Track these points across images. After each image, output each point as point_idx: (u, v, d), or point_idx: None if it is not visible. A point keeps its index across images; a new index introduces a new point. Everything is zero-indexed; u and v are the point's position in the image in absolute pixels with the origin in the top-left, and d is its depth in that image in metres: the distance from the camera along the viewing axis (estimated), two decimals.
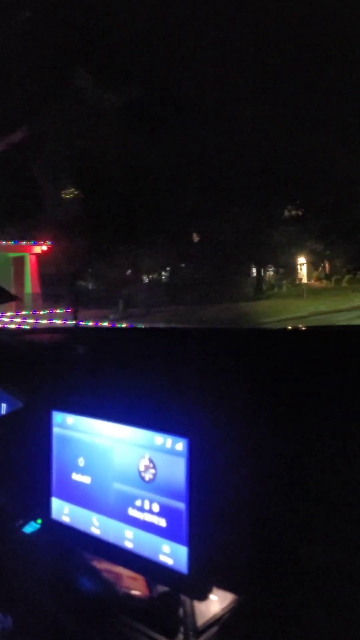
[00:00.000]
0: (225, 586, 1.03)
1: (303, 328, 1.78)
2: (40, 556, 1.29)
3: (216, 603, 1.05)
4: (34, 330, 2.21)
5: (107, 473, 1.13)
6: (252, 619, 1.00)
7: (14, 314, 7.61)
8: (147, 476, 1.05)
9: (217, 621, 1.03)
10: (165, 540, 1.02)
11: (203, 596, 1.01)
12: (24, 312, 8.26)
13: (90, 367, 1.43)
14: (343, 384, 1.04)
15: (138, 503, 1.07)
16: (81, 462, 1.18)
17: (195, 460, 0.98)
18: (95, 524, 1.15)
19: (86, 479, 1.17)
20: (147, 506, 1.05)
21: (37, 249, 11.83)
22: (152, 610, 1.10)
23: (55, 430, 1.25)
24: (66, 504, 1.22)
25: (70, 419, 1.21)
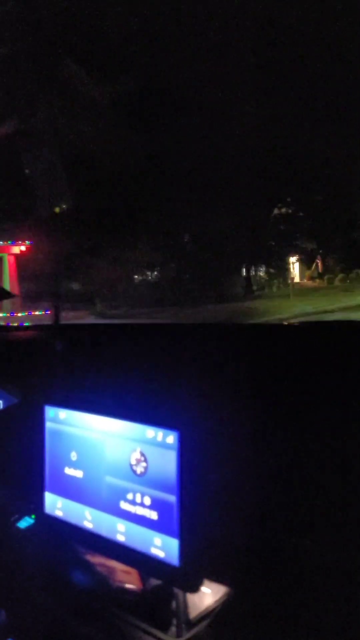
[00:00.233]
0: (216, 578, 1.03)
1: (295, 323, 1.78)
2: (34, 551, 1.29)
3: (209, 595, 1.06)
4: (27, 327, 2.21)
5: (99, 467, 1.13)
6: (245, 611, 1.00)
7: None
8: (139, 469, 1.05)
9: (209, 613, 1.04)
10: (156, 533, 1.02)
11: (194, 588, 1.02)
12: (1, 315, 8.09)
13: (82, 362, 1.43)
14: (334, 377, 1.04)
15: (130, 496, 1.07)
16: (73, 456, 1.18)
17: (186, 453, 0.98)
18: (88, 518, 1.15)
19: (79, 473, 1.17)
20: (138, 499, 1.06)
21: (16, 249, 11.32)
22: (145, 603, 1.10)
23: (48, 424, 1.25)
24: (59, 499, 1.22)
25: (63, 413, 1.21)
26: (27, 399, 1.53)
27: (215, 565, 1.02)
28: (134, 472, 1.06)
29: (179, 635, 1.03)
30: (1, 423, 1.56)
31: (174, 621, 1.05)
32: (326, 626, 0.91)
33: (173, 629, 1.04)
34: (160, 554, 1.02)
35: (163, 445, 1.01)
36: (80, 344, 1.50)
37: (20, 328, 1.94)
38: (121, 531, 1.09)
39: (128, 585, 1.15)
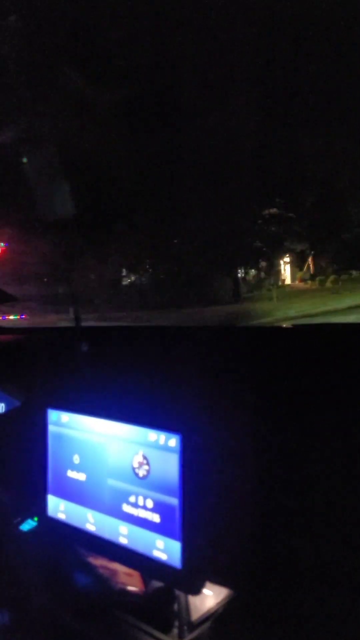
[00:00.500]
0: (218, 581, 1.04)
1: (298, 326, 1.79)
2: (37, 553, 1.30)
3: (211, 598, 1.06)
4: (30, 330, 2.22)
5: (101, 470, 1.14)
6: (246, 613, 1.01)
7: None
8: (141, 472, 1.06)
9: (211, 615, 1.05)
10: (159, 535, 1.03)
11: (196, 591, 1.02)
12: None
13: (84, 365, 1.44)
14: (336, 380, 1.04)
15: (132, 499, 1.08)
16: (76, 459, 1.19)
17: (188, 456, 0.99)
18: (91, 521, 1.16)
19: (81, 476, 1.18)
20: (141, 502, 1.06)
21: None
22: (147, 605, 1.11)
23: (51, 428, 1.25)
24: (62, 501, 1.23)
25: (65, 416, 1.22)
26: (29, 402, 1.54)
27: (217, 568, 1.03)
28: (137, 475, 1.07)
29: (180, 637, 1.04)
30: (4, 426, 1.57)
31: (176, 623, 1.06)
32: (327, 628, 0.91)
33: (175, 631, 1.05)
34: (162, 556, 1.02)
35: (165, 448, 1.02)
36: (85, 347, 1.50)
37: (22, 331, 1.95)
38: (123, 534, 1.10)
39: (130, 588, 1.15)
